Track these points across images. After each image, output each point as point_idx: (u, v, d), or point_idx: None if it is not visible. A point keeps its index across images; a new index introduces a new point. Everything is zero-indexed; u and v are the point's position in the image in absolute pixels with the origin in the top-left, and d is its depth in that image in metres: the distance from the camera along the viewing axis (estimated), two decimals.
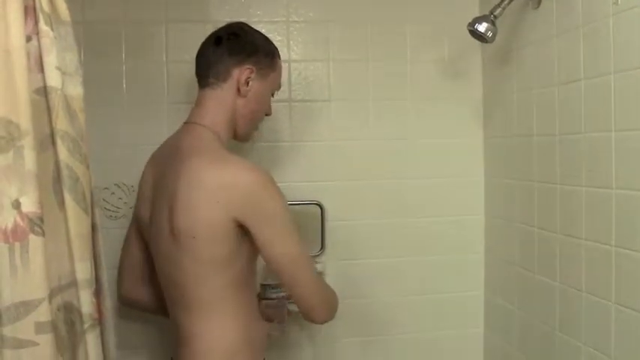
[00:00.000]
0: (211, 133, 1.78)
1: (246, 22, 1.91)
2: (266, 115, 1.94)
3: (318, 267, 2.29)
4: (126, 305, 2.05)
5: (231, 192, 1.64)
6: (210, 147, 1.74)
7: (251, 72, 1.81)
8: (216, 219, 1.65)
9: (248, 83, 1.81)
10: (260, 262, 1.77)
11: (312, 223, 2.36)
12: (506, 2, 2.00)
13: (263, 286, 1.99)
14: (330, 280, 2.32)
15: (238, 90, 1.80)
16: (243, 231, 1.67)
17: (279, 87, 1.95)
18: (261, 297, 1.99)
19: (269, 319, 1.95)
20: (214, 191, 1.64)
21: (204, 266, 1.69)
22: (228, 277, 1.70)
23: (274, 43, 1.90)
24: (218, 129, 1.79)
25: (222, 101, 1.81)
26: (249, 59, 1.81)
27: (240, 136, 1.89)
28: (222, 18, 2.16)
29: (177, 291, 1.75)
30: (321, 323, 1.79)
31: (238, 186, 1.64)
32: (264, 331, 1.86)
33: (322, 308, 1.76)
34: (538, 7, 2.02)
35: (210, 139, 1.76)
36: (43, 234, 1.23)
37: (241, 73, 1.80)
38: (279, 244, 1.68)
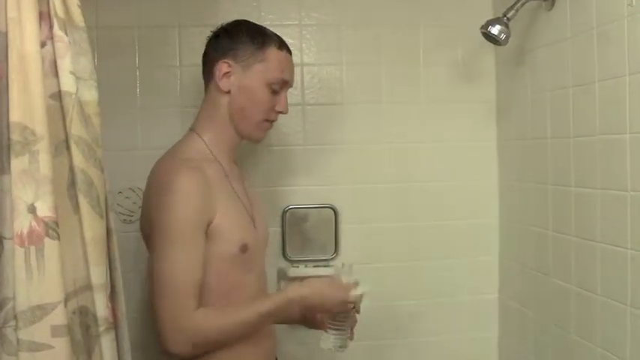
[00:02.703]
0: (196, 136, 1.80)
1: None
2: (279, 112, 1.84)
3: (329, 271, 2.29)
4: None
5: (149, 191, 1.72)
6: (176, 150, 1.78)
7: (228, 66, 1.77)
8: (145, 221, 1.75)
9: (228, 78, 1.78)
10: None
11: (325, 227, 2.36)
12: (519, 4, 2.00)
13: None
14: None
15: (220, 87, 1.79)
16: None
17: (279, 80, 1.80)
18: None
19: (319, 327, 1.86)
20: (145, 192, 1.76)
21: None
22: None
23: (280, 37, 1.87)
24: (204, 131, 1.80)
25: (210, 102, 1.82)
26: (226, 54, 1.78)
27: (244, 136, 1.84)
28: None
29: None
30: (169, 351, 1.61)
31: (154, 185, 1.70)
32: (264, 342, 1.82)
33: (167, 336, 1.59)
34: (552, 8, 2.01)
35: (189, 142, 1.79)
36: (59, 238, 1.24)
37: (218, 68, 1.77)
38: (157, 252, 1.63)
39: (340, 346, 1.82)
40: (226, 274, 1.69)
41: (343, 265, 1.85)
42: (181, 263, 1.60)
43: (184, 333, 1.59)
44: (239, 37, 1.79)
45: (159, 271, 1.61)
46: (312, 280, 1.82)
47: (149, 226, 1.69)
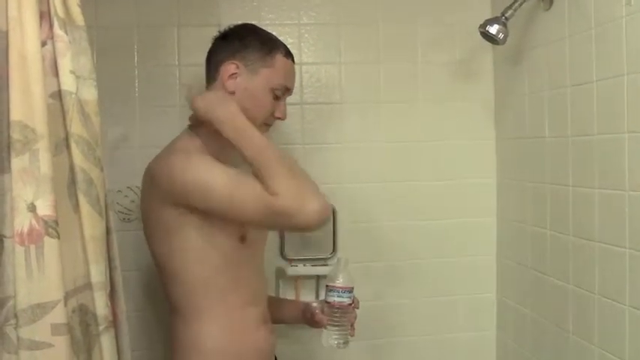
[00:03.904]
0: (194, 134, 1.80)
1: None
2: (277, 118, 1.87)
3: (328, 270, 2.29)
4: None
5: (149, 189, 1.72)
6: (174, 146, 1.77)
7: (236, 67, 1.77)
8: (150, 214, 1.74)
9: (235, 80, 1.78)
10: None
11: (324, 226, 2.36)
12: (517, 4, 2.00)
13: (327, 287, 1.85)
14: None
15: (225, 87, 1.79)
16: (185, 228, 1.68)
17: (282, 87, 1.83)
18: (325, 300, 1.85)
19: (318, 324, 1.84)
20: (148, 184, 1.74)
21: (163, 268, 1.75)
22: (192, 281, 1.71)
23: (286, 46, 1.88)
24: (202, 129, 1.79)
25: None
26: (234, 56, 1.78)
27: None
28: (234, 21, 2.15)
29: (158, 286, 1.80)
30: (316, 220, 1.60)
31: (163, 171, 1.69)
32: (265, 340, 1.83)
33: (302, 213, 1.57)
34: (550, 8, 2.02)
35: (186, 139, 1.79)
36: (58, 236, 1.24)
37: (225, 69, 1.78)
38: (210, 198, 1.63)
39: (343, 343, 1.82)
40: (226, 267, 1.71)
41: (339, 260, 1.86)
42: (246, 185, 1.61)
43: (302, 200, 1.58)
44: (249, 41, 1.80)
45: (224, 194, 1.61)
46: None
47: (152, 224, 1.71)
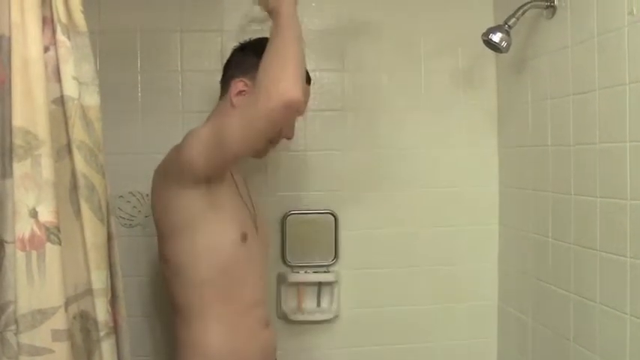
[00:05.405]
0: None
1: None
2: (285, 137, 1.88)
3: (330, 277, 2.30)
4: None
5: (169, 165, 1.73)
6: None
7: (244, 85, 1.78)
8: (155, 212, 1.76)
9: (243, 97, 1.78)
10: None
11: (326, 233, 2.36)
12: (520, 12, 2.00)
13: None
14: (343, 288, 2.33)
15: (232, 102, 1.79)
16: (185, 226, 1.68)
17: None
18: None
19: None
20: (158, 178, 1.77)
21: (166, 266, 1.76)
22: (196, 280, 1.71)
23: None
24: None
25: (220, 112, 1.81)
26: (247, 73, 1.77)
27: None
28: (237, 27, 2.17)
29: (163, 290, 1.82)
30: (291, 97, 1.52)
31: (172, 153, 1.71)
32: (267, 341, 1.84)
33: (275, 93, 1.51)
34: (552, 17, 2.02)
35: None
36: (60, 243, 1.25)
37: (235, 85, 1.79)
38: (230, 121, 1.60)
39: None
40: (229, 267, 1.72)
41: None
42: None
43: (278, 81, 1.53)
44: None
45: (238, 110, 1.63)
46: None
47: (161, 221, 1.73)
